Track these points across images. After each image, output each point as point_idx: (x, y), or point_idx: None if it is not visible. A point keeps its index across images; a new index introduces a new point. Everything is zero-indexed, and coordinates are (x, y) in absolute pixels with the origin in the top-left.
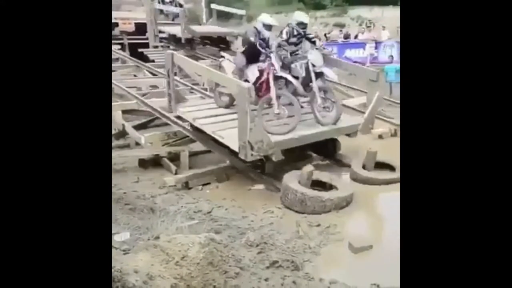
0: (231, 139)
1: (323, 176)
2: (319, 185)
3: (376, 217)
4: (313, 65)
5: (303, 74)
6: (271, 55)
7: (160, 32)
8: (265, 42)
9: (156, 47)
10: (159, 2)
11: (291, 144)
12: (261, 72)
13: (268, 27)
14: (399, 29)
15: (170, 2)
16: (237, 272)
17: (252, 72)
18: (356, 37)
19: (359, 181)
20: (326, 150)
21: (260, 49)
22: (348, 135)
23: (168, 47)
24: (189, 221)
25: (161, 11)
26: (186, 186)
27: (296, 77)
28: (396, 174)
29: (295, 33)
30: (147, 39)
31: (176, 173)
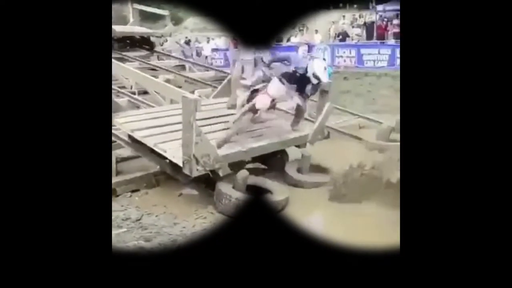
0: (174, 152)
1: (258, 180)
2: (255, 190)
3: (311, 220)
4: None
5: None
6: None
7: None
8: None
9: None
10: None
11: (239, 157)
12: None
13: None
14: (331, 32)
15: None
16: None
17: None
18: (288, 40)
19: (293, 185)
20: (275, 162)
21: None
22: (297, 146)
23: None
24: (117, 230)
25: None
26: (114, 193)
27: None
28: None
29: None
30: None
31: None
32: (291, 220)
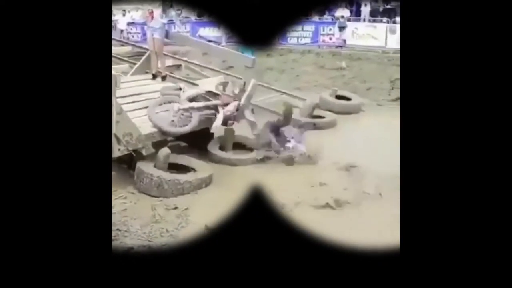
0: None
1: (181, 159)
2: (178, 168)
3: (234, 198)
4: None
5: None
6: None
7: None
8: None
9: None
10: None
11: (163, 136)
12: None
13: None
14: None
15: None
16: None
17: None
18: None
19: (217, 162)
20: (200, 141)
21: None
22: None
23: None
24: None
25: None
26: None
27: None
28: (253, 154)
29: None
30: None
31: None
32: (291, 220)
